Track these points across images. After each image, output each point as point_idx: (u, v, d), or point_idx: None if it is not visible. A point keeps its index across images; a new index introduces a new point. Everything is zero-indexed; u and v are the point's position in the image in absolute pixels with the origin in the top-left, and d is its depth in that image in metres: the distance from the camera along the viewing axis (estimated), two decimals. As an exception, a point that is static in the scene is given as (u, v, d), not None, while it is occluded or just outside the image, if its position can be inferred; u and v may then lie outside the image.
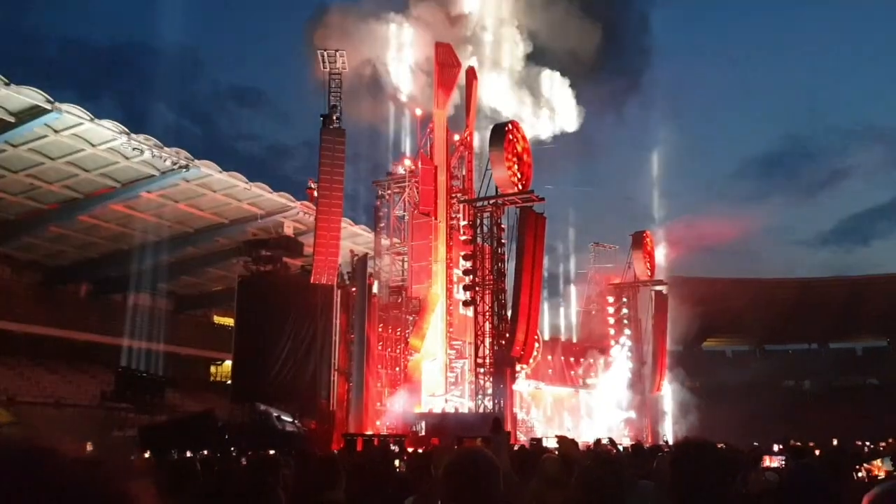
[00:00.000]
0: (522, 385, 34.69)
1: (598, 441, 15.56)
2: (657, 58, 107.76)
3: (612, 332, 43.17)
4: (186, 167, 33.55)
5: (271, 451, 12.51)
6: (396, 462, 11.35)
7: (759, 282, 63.06)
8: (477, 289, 30.75)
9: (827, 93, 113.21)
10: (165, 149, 32.63)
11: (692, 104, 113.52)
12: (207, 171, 34.41)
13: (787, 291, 61.38)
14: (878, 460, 12.39)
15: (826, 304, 59.81)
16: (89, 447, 22.01)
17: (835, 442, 23.79)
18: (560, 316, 47.87)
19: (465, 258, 31.09)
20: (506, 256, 31.64)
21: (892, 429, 31.52)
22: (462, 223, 33.37)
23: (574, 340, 44.74)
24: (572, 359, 41.63)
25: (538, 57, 38.21)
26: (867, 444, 23.39)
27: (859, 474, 11.37)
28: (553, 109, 38.25)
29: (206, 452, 17.24)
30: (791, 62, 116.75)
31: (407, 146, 36.09)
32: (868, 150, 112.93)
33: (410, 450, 21.36)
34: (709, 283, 55.08)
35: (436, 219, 33.02)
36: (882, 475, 11.40)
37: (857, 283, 61.64)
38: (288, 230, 37.11)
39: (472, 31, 36.60)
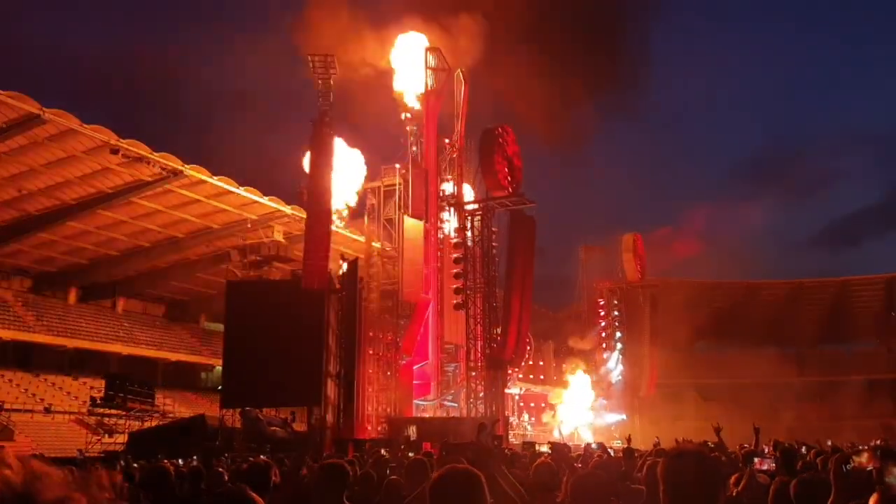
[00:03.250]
0: (514, 388, 34.75)
1: (587, 446, 15.59)
2: (647, 61, 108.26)
3: (603, 334, 43.29)
4: (176, 173, 33.44)
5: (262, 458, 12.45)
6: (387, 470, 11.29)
7: (749, 283, 63.27)
8: (468, 292, 30.79)
9: (816, 95, 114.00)
10: (155, 154, 32.52)
11: (682, 108, 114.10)
12: (197, 176, 34.31)
13: (778, 293, 61.61)
14: (865, 456, 12.43)
15: (816, 305, 60.10)
16: (79, 454, 21.89)
17: (829, 443, 23.85)
18: (551, 318, 47.91)
19: (457, 261, 31.13)
20: (497, 259, 31.72)
21: (882, 429, 31.71)
22: (453, 227, 33.39)
23: (566, 343, 44.81)
24: (564, 362, 41.70)
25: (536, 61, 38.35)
26: (857, 445, 23.48)
27: (847, 466, 11.41)
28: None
29: (196, 458, 17.15)
30: (780, 65, 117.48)
31: (397, 150, 36.11)
32: (858, 152, 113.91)
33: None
34: (700, 284, 55.20)
35: (427, 222, 33.02)
36: (870, 467, 11.44)
37: (847, 285, 61.94)
38: (278, 235, 37.02)
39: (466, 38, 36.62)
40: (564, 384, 40.56)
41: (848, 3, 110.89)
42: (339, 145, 32.57)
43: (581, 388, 40.95)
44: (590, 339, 43.76)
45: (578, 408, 40.54)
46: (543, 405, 40.95)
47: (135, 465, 13.66)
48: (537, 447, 24.61)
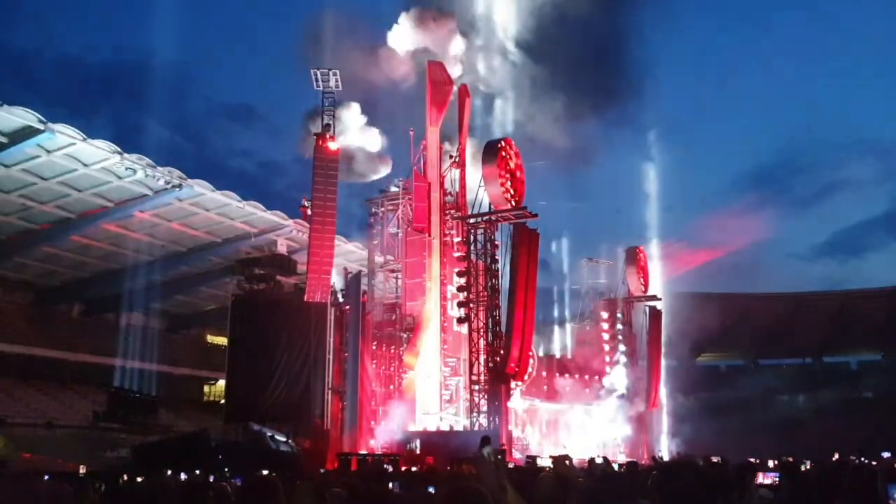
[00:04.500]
0: (517, 402, 34.62)
1: (592, 460, 15.50)
2: (649, 73, 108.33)
3: (606, 347, 43.13)
4: (179, 186, 33.55)
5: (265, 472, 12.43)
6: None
7: (752, 296, 63.15)
8: (471, 305, 30.71)
9: (819, 106, 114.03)
10: (158, 168, 32.66)
11: (685, 118, 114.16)
12: (200, 189, 34.42)
13: (781, 305, 61.49)
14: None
15: (820, 317, 59.95)
16: (82, 469, 21.86)
17: (836, 456, 23.71)
18: (554, 332, 47.78)
19: (459, 275, 31.07)
20: (500, 273, 31.63)
21: (887, 443, 31.51)
22: (456, 240, 33.37)
23: (569, 356, 44.64)
24: (567, 375, 41.53)
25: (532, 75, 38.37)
26: (862, 459, 23.35)
27: None
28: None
29: (198, 473, 17.11)
30: (783, 76, 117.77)
31: (400, 163, 36.22)
32: (860, 162, 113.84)
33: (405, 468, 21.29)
34: (703, 297, 55.06)
35: (429, 235, 33.00)
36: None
37: (851, 297, 61.83)
38: (281, 248, 37.07)
39: (465, 49, 36.75)
40: (568, 398, 40.35)
41: (854, 12, 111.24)
42: (343, 157, 32.65)
43: (584, 401, 40.76)
44: (592, 352, 43.54)
45: (582, 422, 40.36)
46: (546, 416, 40.79)
47: (137, 479, 13.63)
48: (539, 461, 24.56)
